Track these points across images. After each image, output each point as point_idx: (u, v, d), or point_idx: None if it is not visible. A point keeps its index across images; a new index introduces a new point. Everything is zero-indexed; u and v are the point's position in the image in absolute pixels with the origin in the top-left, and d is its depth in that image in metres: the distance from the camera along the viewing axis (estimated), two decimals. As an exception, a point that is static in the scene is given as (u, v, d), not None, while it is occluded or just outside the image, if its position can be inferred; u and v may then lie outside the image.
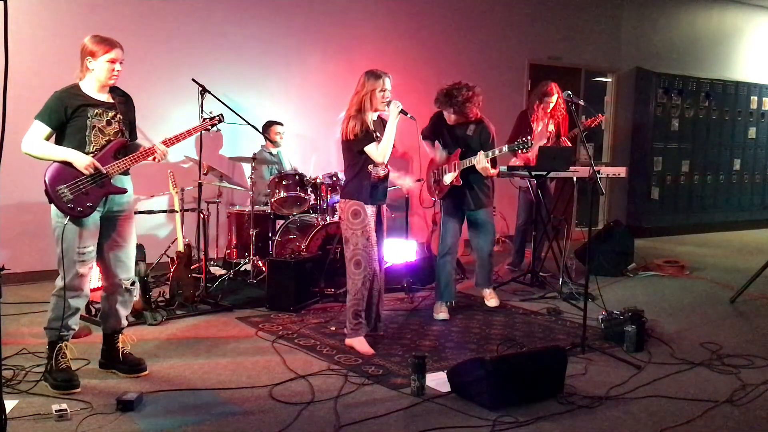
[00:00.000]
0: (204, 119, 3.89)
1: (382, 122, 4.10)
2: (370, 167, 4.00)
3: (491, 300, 5.16)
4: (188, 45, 6.27)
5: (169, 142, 3.55)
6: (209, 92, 5.23)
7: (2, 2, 2.19)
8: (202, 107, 5.16)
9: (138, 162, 3.46)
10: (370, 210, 4.02)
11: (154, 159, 3.50)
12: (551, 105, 6.00)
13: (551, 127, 6.08)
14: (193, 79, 5.28)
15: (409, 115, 4.01)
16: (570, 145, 6.16)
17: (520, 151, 4.89)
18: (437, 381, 3.45)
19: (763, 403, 3.33)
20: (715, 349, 4.14)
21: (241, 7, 6.53)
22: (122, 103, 3.47)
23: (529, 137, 4.83)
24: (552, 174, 5.62)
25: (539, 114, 6.06)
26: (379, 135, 4.00)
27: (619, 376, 3.64)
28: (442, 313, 4.83)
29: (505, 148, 4.77)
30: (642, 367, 3.79)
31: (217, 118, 3.95)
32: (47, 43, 5.61)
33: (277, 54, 6.76)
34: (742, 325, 4.83)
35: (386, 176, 4.10)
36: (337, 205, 4.18)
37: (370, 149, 3.95)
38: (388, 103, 3.99)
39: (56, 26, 5.65)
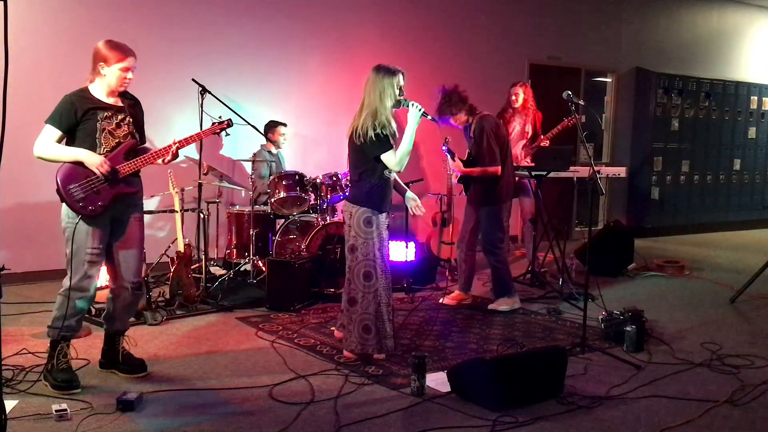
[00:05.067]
0: (213, 123, 3.89)
1: (393, 124, 3.79)
2: (386, 172, 3.78)
3: (500, 306, 5.02)
4: (188, 45, 6.27)
5: (180, 145, 3.56)
6: (209, 92, 5.23)
7: (2, 2, 2.19)
8: (202, 107, 5.16)
9: (149, 163, 3.47)
10: (383, 218, 3.82)
11: (164, 161, 3.53)
12: (519, 97, 6.24)
13: (527, 128, 6.21)
14: (193, 79, 5.28)
15: (430, 117, 3.75)
16: (548, 144, 6.21)
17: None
18: (437, 381, 3.45)
19: (763, 403, 3.33)
20: (715, 349, 4.14)
21: (241, 7, 6.53)
22: (132, 106, 3.50)
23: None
24: (552, 174, 5.64)
25: (511, 114, 6.31)
26: (392, 140, 3.74)
27: (619, 376, 3.64)
28: (446, 298, 5.20)
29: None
30: (642, 367, 3.79)
31: (226, 122, 3.88)
32: (47, 43, 5.61)
33: (277, 54, 6.75)
34: (742, 325, 4.83)
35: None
36: (342, 208, 3.96)
37: (387, 157, 3.68)
38: (405, 103, 3.74)
39: (56, 26, 5.64)
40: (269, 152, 6.32)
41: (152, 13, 6.10)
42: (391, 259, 5.76)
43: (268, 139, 6.22)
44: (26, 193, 5.49)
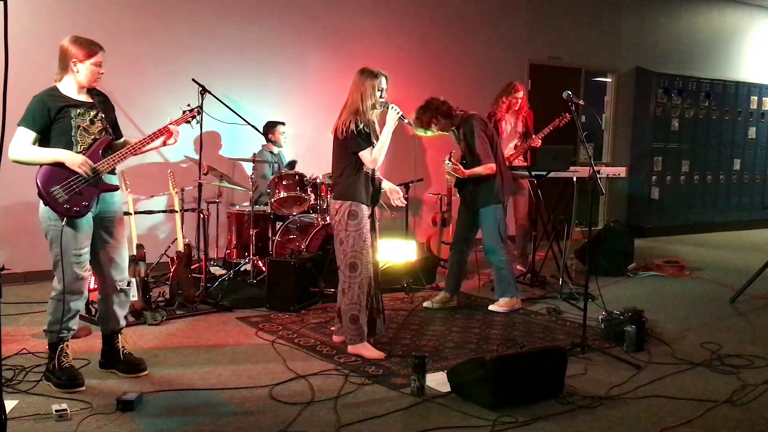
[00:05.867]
0: (184, 112, 3.85)
1: (376, 124, 3.97)
2: (364, 168, 3.89)
3: (501, 307, 4.99)
4: (188, 45, 6.27)
5: (154, 136, 3.53)
6: (209, 92, 5.23)
7: (2, 2, 2.19)
8: (202, 107, 5.15)
9: (126, 158, 3.43)
10: (367, 211, 3.91)
11: (164, 143, 3.52)
12: (519, 101, 6.16)
13: (519, 126, 6.17)
14: (193, 79, 5.28)
15: (407, 121, 3.88)
16: (540, 143, 6.18)
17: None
18: (437, 381, 3.45)
19: (763, 403, 3.33)
20: (715, 349, 4.14)
21: (240, 7, 6.53)
22: (102, 102, 3.47)
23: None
24: (552, 174, 5.64)
25: (504, 113, 6.19)
26: (373, 139, 3.89)
27: (619, 376, 3.63)
28: (428, 300, 5.10)
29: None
30: (642, 367, 3.79)
31: (195, 110, 3.88)
32: (47, 43, 5.60)
33: (276, 54, 6.76)
34: (742, 325, 4.83)
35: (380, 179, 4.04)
36: (329, 205, 4.06)
37: (364, 155, 3.84)
38: (385, 105, 3.88)
39: (55, 26, 5.63)
40: (271, 153, 6.32)
41: (152, 13, 6.10)
42: (391, 259, 5.82)
43: (268, 140, 6.23)
44: (26, 192, 5.44)
